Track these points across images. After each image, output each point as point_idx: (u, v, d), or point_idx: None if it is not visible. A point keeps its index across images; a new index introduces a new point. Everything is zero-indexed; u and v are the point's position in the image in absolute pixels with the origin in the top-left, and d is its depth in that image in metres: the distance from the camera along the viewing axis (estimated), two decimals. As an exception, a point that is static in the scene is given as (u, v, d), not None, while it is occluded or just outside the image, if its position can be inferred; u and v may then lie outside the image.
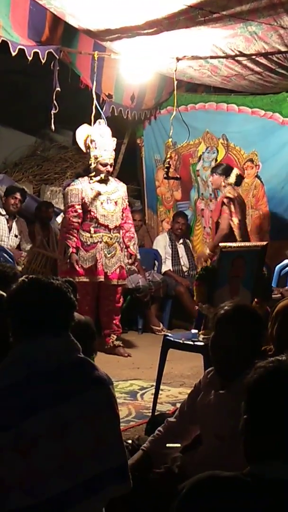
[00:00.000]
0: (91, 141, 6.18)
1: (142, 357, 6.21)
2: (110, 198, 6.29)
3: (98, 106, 6.22)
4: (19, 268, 6.64)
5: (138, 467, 2.50)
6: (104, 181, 6.28)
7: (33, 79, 7.72)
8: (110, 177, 6.41)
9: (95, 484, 1.87)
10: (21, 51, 5.45)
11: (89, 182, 6.22)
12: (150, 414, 4.37)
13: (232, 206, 6.56)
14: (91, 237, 6.20)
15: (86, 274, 6.19)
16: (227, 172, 6.66)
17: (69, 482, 1.82)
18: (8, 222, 7.07)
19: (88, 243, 6.20)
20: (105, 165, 6.20)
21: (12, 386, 1.85)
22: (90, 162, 6.25)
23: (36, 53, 5.61)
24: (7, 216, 7.05)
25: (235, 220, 6.55)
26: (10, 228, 7.10)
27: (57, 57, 5.96)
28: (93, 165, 6.22)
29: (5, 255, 6.40)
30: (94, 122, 6.11)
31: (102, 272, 6.23)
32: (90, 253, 6.19)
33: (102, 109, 6.67)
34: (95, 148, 6.17)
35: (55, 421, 1.83)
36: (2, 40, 5.29)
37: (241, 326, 2.46)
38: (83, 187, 6.21)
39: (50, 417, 1.83)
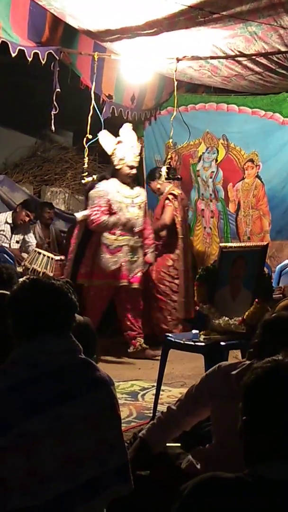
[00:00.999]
0: (118, 142, 6.27)
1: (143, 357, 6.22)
2: (134, 202, 6.34)
3: (96, 107, 6.22)
4: (20, 269, 6.65)
5: (137, 456, 2.49)
6: (128, 184, 6.35)
7: (33, 80, 7.73)
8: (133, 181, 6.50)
9: (96, 485, 1.87)
10: (21, 52, 5.45)
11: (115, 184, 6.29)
12: (151, 414, 4.37)
13: (176, 203, 6.81)
14: (116, 239, 6.21)
15: (108, 277, 6.18)
16: (154, 173, 6.84)
17: (71, 483, 1.82)
18: (12, 231, 7.10)
19: (113, 246, 6.19)
20: (131, 167, 6.29)
21: (14, 387, 1.85)
22: (115, 164, 6.31)
23: (36, 54, 5.61)
24: (12, 225, 7.06)
25: (178, 217, 6.78)
26: (12, 235, 7.12)
27: (57, 58, 5.96)
28: (118, 167, 6.29)
29: (5, 255, 6.40)
30: (91, 123, 6.10)
31: (126, 276, 6.23)
32: (115, 256, 6.18)
33: (102, 110, 6.68)
34: (122, 150, 6.26)
35: (57, 422, 1.83)
36: (2, 41, 5.29)
37: None
38: (109, 190, 6.24)
39: (52, 417, 1.83)
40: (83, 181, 6.51)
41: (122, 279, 6.20)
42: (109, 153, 6.37)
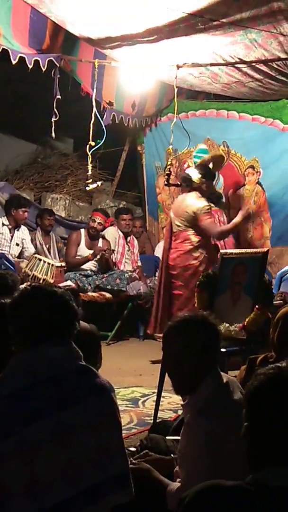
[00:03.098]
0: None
1: (144, 364, 6.20)
2: None
3: (97, 114, 6.24)
4: (19, 276, 6.65)
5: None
6: None
7: (33, 87, 7.74)
8: None
9: (97, 492, 1.86)
10: (22, 59, 5.47)
11: None
12: (151, 421, 4.35)
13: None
14: None
15: None
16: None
17: (71, 490, 1.81)
18: (10, 232, 7.07)
19: None
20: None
21: (14, 394, 1.84)
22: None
23: (36, 61, 5.63)
24: (10, 226, 7.05)
25: None
26: (12, 237, 7.09)
27: (58, 65, 5.98)
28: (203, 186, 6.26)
29: (6, 262, 6.40)
30: (94, 130, 6.12)
31: None
32: None
33: (103, 116, 6.70)
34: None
35: (58, 429, 1.82)
36: (3, 49, 5.31)
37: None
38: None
39: (52, 424, 1.82)
40: (87, 188, 6.54)
41: None
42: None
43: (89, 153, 6.14)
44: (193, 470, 2.15)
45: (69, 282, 6.83)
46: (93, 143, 6.10)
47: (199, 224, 6.02)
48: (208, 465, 2.07)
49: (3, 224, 7.03)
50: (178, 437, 2.65)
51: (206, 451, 2.11)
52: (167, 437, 2.69)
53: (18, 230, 7.13)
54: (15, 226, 7.07)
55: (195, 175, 6.23)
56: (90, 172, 6.33)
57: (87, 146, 6.10)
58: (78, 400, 1.89)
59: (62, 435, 1.82)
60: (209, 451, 2.10)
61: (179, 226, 6.14)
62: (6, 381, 1.90)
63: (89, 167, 6.28)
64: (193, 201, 6.11)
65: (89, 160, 6.22)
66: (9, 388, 1.86)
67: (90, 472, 1.85)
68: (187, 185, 6.29)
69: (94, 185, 6.45)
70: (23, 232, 7.20)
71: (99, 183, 6.62)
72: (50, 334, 1.98)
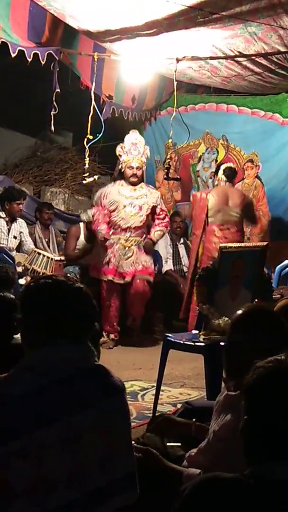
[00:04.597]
0: (122, 147, 6.65)
1: (143, 357, 6.21)
2: (134, 203, 6.65)
3: (96, 108, 6.23)
4: (19, 269, 6.64)
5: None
6: (133, 185, 6.68)
7: (33, 81, 7.73)
8: (142, 184, 6.82)
9: (102, 494, 1.82)
10: (21, 52, 5.46)
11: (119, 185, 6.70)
12: (151, 415, 4.36)
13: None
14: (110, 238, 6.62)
15: (100, 273, 6.69)
16: (217, 170, 6.81)
17: (77, 491, 1.77)
18: (7, 224, 7.05)
19: (107, 243, 6.64)
20: (130, 168, 6.61)
21: (27, 394, 1.77)
22: (120, 166, 6.77)
23: (36, 55, 5.61)
24: (7, 219, 7.03)
25: None
26: (9, 230, 7.08)
27: (57, 58, 5.96)
28: (122, 170, 6.71)
29: (5, 256, 6.39)
30: (93, 123, 6.11)
31: (113, 272, 6.62)
32: (107, 252, 6.65)
33: (102, 110, 6.69)
34: (124, 153, 6.65)
35: (67, 432, 1.77)
36: (2, 42, 5.29)
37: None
38: (109, 189, 6.69)
39: (62, 427, 1.77)
40: (84, 182, 6.67)
41: (109, 274, 6.62)
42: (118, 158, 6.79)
43: (87, 147, 6.14)
44: (227, 461, 2.14)
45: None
46: (91, 137, 6.09)
47: (254, 213, 6.94)
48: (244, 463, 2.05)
49: (0, 217, 7.01)
50: (178, 444, 2.66)
51: None
52: (168, 444, 2.68)
53: (15, 222, 7.11)
54: (11, 219, 7.05)
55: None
56: (87, 166, 6.34)
57: (85, 139, 6.09)
58: (90, 403, 1.83)
59: (71, 438, 1.78)
60: None
61: (236, 215, 6.61)
62: (20, 380, 1.82)
63: (87, 160, 6.29)
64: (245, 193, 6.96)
65: (87, 154, 6.22)
66: (22, 388, 1.79)
67: (97, 474, 1.81)
68: (232, 178, 6.77)
69: (91, 179, 6.51)
70: (21, 225, 7.18)
71: (95, 177, 6.67)
72: (68, 332, 1.87)
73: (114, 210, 6.60)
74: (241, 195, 6.79)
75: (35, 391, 1.78)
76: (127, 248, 6.65)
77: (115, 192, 6.63)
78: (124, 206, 6.60)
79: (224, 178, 6.64)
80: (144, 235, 6.80)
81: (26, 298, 1.94)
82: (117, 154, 6.73)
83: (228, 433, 2.24)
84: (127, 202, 6.61)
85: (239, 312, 2.44)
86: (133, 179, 6.64)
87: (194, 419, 2.67)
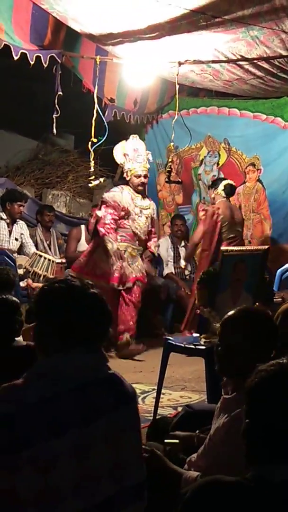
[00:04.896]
0: (125, 154, 6.52)
1: (144, 360, 6.21)
2: (143, 213, 6.61)
3: (99, 111, 6.24)
4: (21, 271, 6.65)
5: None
6: (140, 194, 6.61)
7: (35, 83, 7.74)
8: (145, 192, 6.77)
9: (111, 504, 1.79)
10: (23, 55, 5.47)
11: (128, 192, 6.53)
12: (151, 418, 4.36)
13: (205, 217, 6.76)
14: (116, 245, 6.42)
15: (97, 278, 6.32)
16: (216, 184, 6.75)
17: (86, 502, 1.75)
18: (8, 226, 7.05)
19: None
20: (138, 176, 6.51)
21: (40, 402, 1.74)
22: (124, 175, 6.62)
23: (38, 57, 5.62)
24: (7, 221, 7.03)
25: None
26: (10, 232, 7.08)
27: (59, 61, 5.97)
28: (128, 178, 6.56)
29: (7, 258, 6.40)
30: (95, 126, 6.11)
31: (117, 280, 6.40)
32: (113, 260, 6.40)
33: (104, 113, 6.70)
34: (129, 161, 6.52)
35: (77, 443, 1.74)
36: (5, 44, 5.30)
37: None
38: (124, 196, 6.50)
39: (72, 439, 1.73)
40: (90, 185, 6.61)
41: (112, 282, 6.38)
42: (119, 163, 6.67)
43: (91, 150, 6.12)
44: (224, 465, 2.14)
45: (69, 279, 6.83)
46: (95, 140, 6.09)
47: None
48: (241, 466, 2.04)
49: (1, 219, 7.01)
50: (176, 441, 2.65)
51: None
52: (166, 441, 2.68)
53: (16, 224, 7.12)
54: (12, 220, 7.05)
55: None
56: (92, 169, 6.33)
57: (89, 142, 6.09)
58: (102, 414, 1.80)
59: (81, 450, 1.75)
60: None
61: (240, 230, 6.75)
62: (33, 388, 1.78)
63: (92, 163, 6.27)
64: None
65: (91, 157, 6.21)
66: (35, 396, 1.75)
67: (106, 485, 1.78)
68: (231, 195, 6.82)
69: (97, 182, 6.46)
70: (22, 227, 7.19)
71: (101, 179, 6.63)
72: (81, 337, 1.84)
73: (126, 218, 6.50)
74: (240, 211, 6.97)
75: (48, 400, 1.74)
76: (133, 257, 6.56)
77: (129, 199, 6.52)
78: (136, 215, 6.54)
79: (223, 194, 6.63)
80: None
81: (40, 301, 1.91)
82: (119, 162, 6.64)
83: (223, 436, 2.25)
84: (137, 210, 6.56)
85: (235, 313, 2.45)
86: (141, 188, 6.60)
87: (197, 431, 2.66)
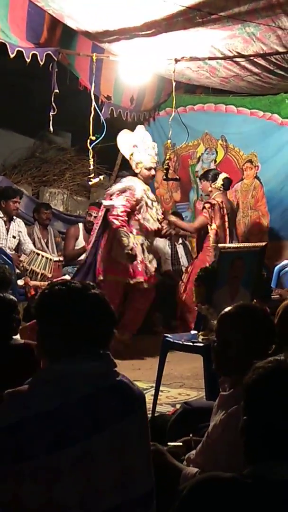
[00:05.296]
0: (134, 146, 6.35)
1: (142, 358, 6.22)
2: (153, 205, 6.45)
3: (97, 108, 6.23)
4: (18, 270, 6.64)
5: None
6: (149, 186, 6.47)
7: (31, 81, 7.73)
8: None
9: None
10: (20, 53, 5.45)
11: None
12: (150, 415, 4.36)
13: (212, 212, 6.63)
14: (133, 238, 6.23)
15: (120, 274, 6.23)
16: (214, 177, 6.72)
17: None
18: (6, 224, 7.05)
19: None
20: (149, 169, 6.35)
21: (42, 414, 1.69)
22: (134, 167, 6.38)
23: (34, 55, 5.60)
24: (4, 218, 7.02)
25: (213, 225, 6.60)
26: (7, 230, 7.07)
27: (56, 59, 5.95)
28: (137, 170, 6.36)
29: (4, 256, 6.39)
30: (93, 124, 6.10)
31: (142, 274, 6.28)
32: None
33: (101, 111, 6.68)
34: (138, 154, 6.35)
35: (82, 456, 1.69)
36: (0, 42, 5.29)
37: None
38: (137, 187, 6.29)
39: (76, 452, 1.69)
40: (90, 183, 6.53)
41: (138, 276, 6.23)
42: (127, 157, 6.49)
43: (90, 148, 6.11)
44: (222, 461, 2.14)
45: (67, 277, 6.83)
46: (93, 138, 6.07)
47: None
48: (239, 461, 2.04)
49: None
50: (180, 443, 2.65)
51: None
52: (169, 443, 2.67)
53: (14, 222, 7.11)
54: (9, 218, 7.05)
55: None
56: (92, 167, 6.31)
57: (88, 140, 6.07)
58: (109, 424, 1.75)
59: (85, 462, 1.70)
60: None
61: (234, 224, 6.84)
62: (37, 397, 1.73)
63: (91, 161, 6.25)
64: None
65: (90, 155, 6.19)
66: (39, 406, 1.70)
67: (112, 494, 1.73)
68: (228, 189, 6.80)
69: (97, 180, 6.41)
70: (19, 225, 7.18)
71: (101, 177, 6.60)
72: (87, 343, 1.80)
73: (139, 210, 6.28)
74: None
75: (54, 410, 1.70)
76: (149, 252, 6.44)
77: (141, 191, 6.30)
78: (147, 207, 6.36)
79: (221, 187, 6.65)
80: None
81: (41, 305, 1.89)
82: (126, 153, 6.45)
83: (220, 433, 2.25)
84: (149, 202, 6.40)
85: (232, 310, 2.45)
86: (150, 181, 6.52)
87: (191, 434, 2.65)
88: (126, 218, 6.19)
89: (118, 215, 6.14)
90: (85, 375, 1.77)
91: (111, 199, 6.29)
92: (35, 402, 1.72)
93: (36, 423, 1.68)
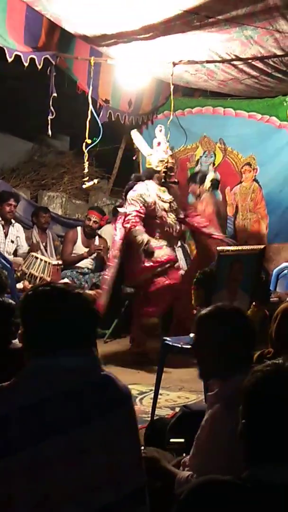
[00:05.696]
0: (158, 144, 6.26)
1: (142, 361, 6.21)
2: (171, 207, 6.27)
3: (94, 112, 6.23)
4: (16, 275, 6.64)
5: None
6: (165, 186, 6.27)
7: (29, 85, 7.73)
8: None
9: (112, 511, 1.75)
10: (17, 57, 5.46)
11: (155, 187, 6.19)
12: (149, 418, 4.35)
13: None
14: (156, 240, 6.12)
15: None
16: (202, 179, 6.73)
17: (84, 509, 1.71)
18: (4, 228, 7.04)
19: (155, 245, 6.07)
20: (170, 169, 6.25)
21: (28, 406, 1.71)
22: (152, 166, 6.24)
23: (32, 59, 5.61)
24: (2, 222, 7.02)
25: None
26: (6, 234, 7.07)
27: (54, 63, 5.96)
28: (159, 168, 6.21)
29: (3, 260, 6.39)
30: (90, 127, 6.10)
31: (168, 258, 6.22)
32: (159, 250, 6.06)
33: (99, 114, 6.69)
34: (160, 152, 6.24)
35: (70, 448, 1.71)
36: (-1, 47, 5.30)
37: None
38: (151, 193, 6.15)
39: (65, 443, 1.70)
40: (84, 186, 6.54)
41: (169, 259, 6.19)
42: (146, 154, 6.39)
43: (85, 151, 6.12)
44: (211, 461, 2.14)
45: (66, 280, 6.84)
46: (89, 141, 6.08)
47: None
48: (227, 460, 2.04)
49: None
50: (182, 440, 2.65)
51: (228, 445, 2.07)
52: (171, 440, 2.67)
53: (12, 227, 7.11)
54: (5, 222, 7.04)
55: None
56: (86, 170, 6.32)
57: (83, 144, 6.09)
58: (95, 417, 1.77)
59: (75, 454, 1.71)
60: (231, 446, 2.08)
61: (222, 226, 6.86)
62: (22, 391, 1.76)
63: (86, 164, 6.26)
64: None
65: (86, 158, 6.20)
66: (24, 400, 1.73)
67: (104, 491, 1.74)
68: (216, 189, 6.84)
69: (91, 183, 6.44)
70: (18, 230, 7.18)
71: (95, 180, 6.62)
72: (70, 340, 1.83)
73: (155, 214, 6.13)
74: (225, 207, 7.22)
75: (37, 404, 1.72)
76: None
77: (154, 196, 6.15)
78: (163, 210, 6.19)
79: (210, 188, 6.68)
80: None
81: (24, 306, 1.92)
82: (147, 153, 6.31)
83: (207, 433, 2.24)
84: (166, 206, 6.21)
85: (207, 311, 2.44)
86: (169, 181, 6.29)
87: (184, 454, 2.63)
88: (139, 220, 6.03)
89: (129, 220, 6.05)
90: (69, 370, 1.80)
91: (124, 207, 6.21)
92: (18, 396, 1.74)
93: (20, 416, 1.70)
